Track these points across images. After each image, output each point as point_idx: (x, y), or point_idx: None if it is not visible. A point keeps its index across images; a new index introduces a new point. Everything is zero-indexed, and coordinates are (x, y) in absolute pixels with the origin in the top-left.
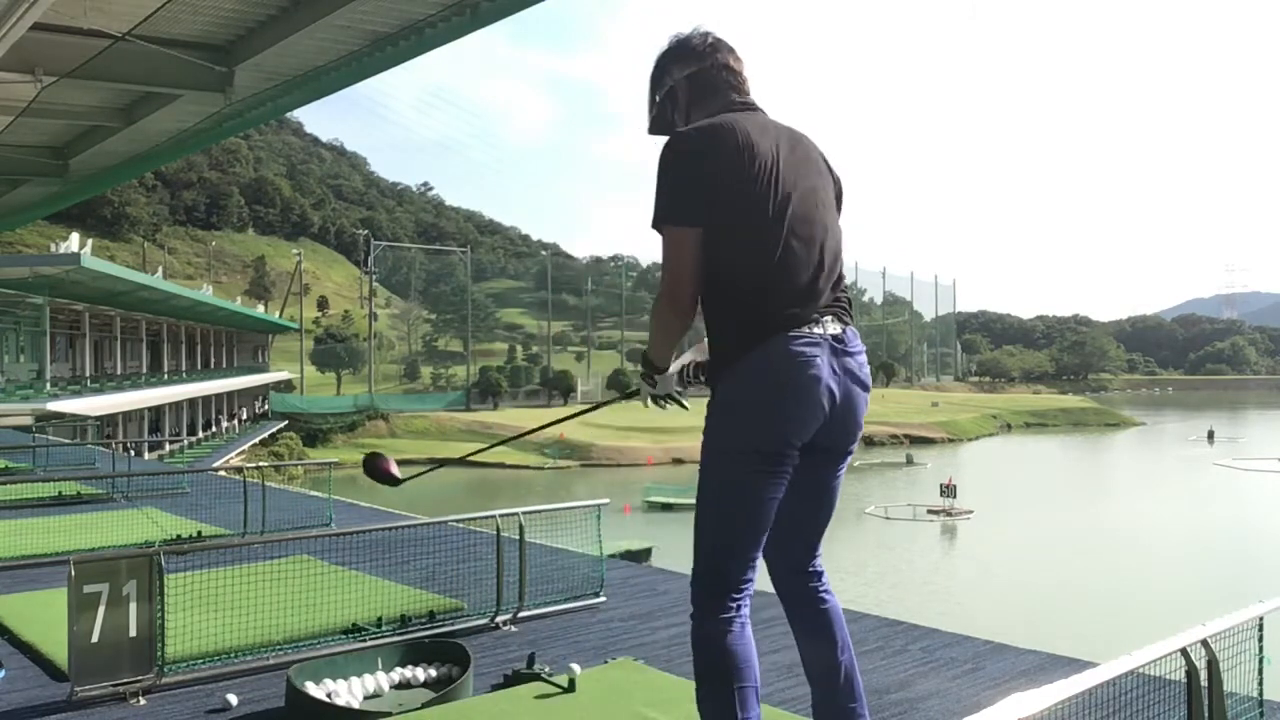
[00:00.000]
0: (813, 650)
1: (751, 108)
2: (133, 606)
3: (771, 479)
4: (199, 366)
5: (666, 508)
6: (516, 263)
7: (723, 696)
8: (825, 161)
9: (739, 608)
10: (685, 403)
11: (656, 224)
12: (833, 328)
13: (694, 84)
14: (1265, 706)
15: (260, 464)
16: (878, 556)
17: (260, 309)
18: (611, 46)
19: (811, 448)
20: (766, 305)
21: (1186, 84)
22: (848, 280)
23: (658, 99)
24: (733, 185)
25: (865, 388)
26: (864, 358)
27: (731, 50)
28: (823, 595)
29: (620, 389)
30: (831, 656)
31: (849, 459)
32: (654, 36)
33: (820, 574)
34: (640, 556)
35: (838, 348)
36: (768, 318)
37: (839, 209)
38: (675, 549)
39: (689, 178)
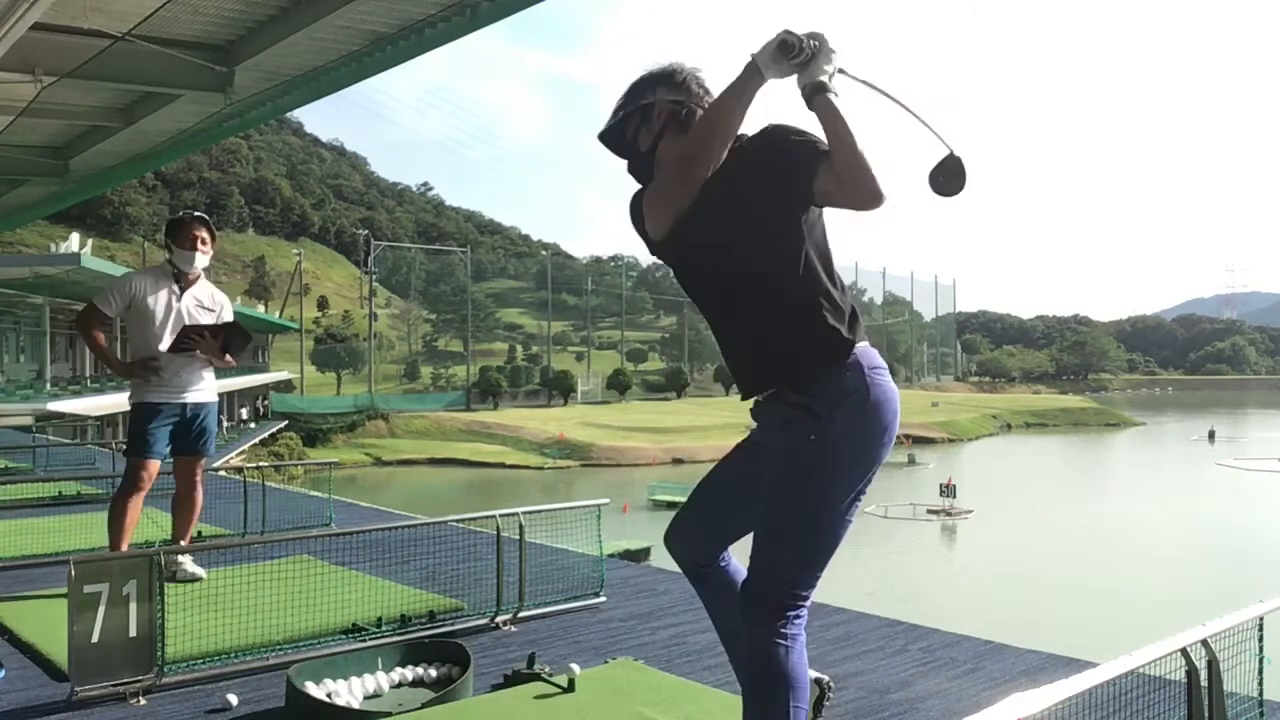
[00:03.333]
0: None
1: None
2: (133, 606)
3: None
4: None
5: (671, 506)
6: (516, 263)
7: (785, 710)
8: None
9: (803, 623)
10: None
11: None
12: None
13: (674, 113)
14: (1265, 706)
15: (260, 464)
16: (877, 556)
17: (260, 309)
18: (610, 47)
19: None
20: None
21: (1187, 84)
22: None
23: (627, 110)
24: None
25: (789, 460)
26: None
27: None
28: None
29: (620, 389)
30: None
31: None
32: (651, 36)
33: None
34: (639, 556)
35: None
36: (855, 325)
37: (787, 189)
38: None
39: None
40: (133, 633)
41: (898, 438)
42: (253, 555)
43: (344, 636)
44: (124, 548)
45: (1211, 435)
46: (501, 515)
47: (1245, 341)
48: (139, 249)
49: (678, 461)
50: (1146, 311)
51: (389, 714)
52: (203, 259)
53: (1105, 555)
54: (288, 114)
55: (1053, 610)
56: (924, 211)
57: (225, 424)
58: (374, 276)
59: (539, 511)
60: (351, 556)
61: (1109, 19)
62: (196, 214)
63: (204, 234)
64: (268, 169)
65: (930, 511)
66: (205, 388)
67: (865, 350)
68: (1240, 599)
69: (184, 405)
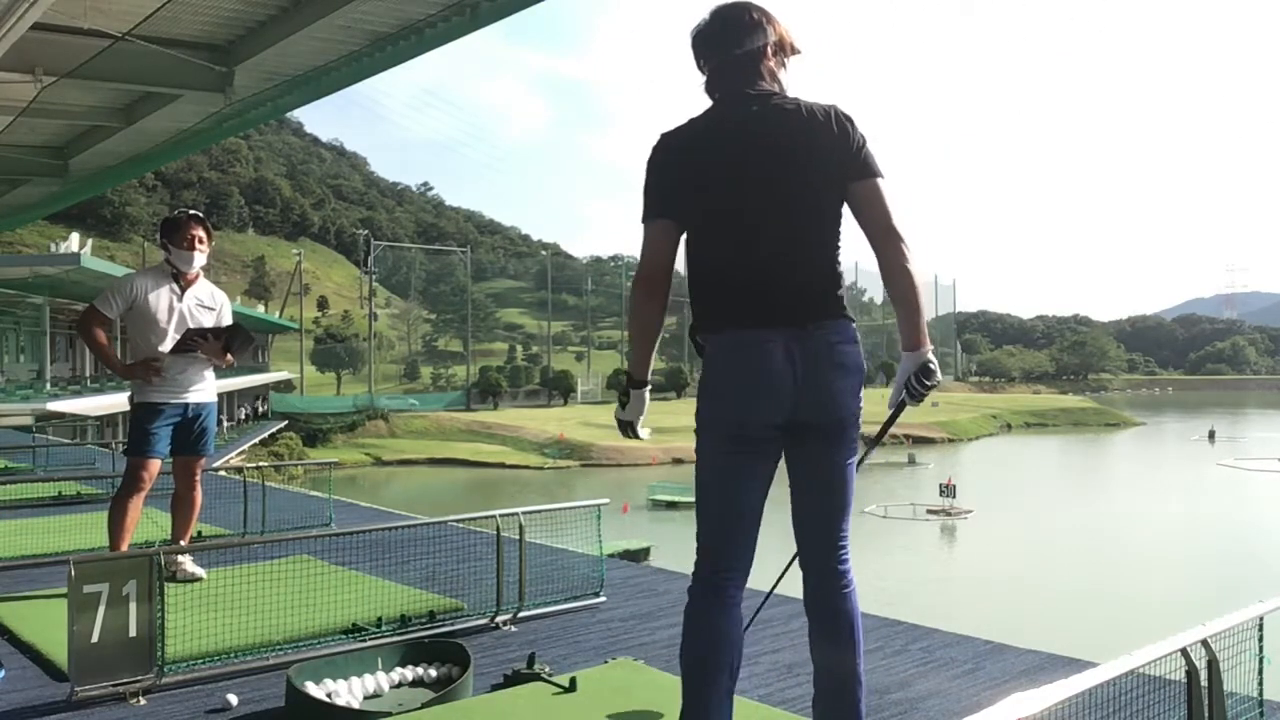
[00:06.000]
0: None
1: (732, 99)
2: (133, 606)
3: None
4: None
5: (671, 505)
6: (516, 263)
7: (684, 677)
8: (812, 136)
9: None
10: (643, 434)
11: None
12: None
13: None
14: (1265, 706)
15: (260, 464)
16: (876, 556)
17: (260, 309)
18: (606, 46)
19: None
20: (716, 299)
21: (1187, 83)
22: (843, 277)
23: (761, 43)
24: (682, 185)
25: (840, 368)
26: (837, 338)
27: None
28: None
29: (621, 389)
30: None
31: (842, 439)
32: (647, 35)
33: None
34: (639, 556)
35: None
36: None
37: (839, 175)
38: (674, 548)
39: (649, 180)
40: (133, 633)
41: (899, 437)
42: (253, 555)
43: (344, 636)
44: (124, 548)
45: (1211, 435)
46: (501, 515)
47: (1245, 341)
48: (139, 249)
49: (678, 461)
50: (1146, 311)
51: (389, 714)
52: (200, 258)
53: (1105, 555)
54: (288, 114)
55: (1053, 610)
56: (924, 211)
57: (225, 424)
58: (374, 276)
59: (539, 511)
60: (351, 556)
61: (1109, 16)
62: (192, 212)
63: (200, 232)
64: (268, 169)
65: (930, 512)
66: (206, 388)
67: None
68: (1240, 599)
69: (185, 405)
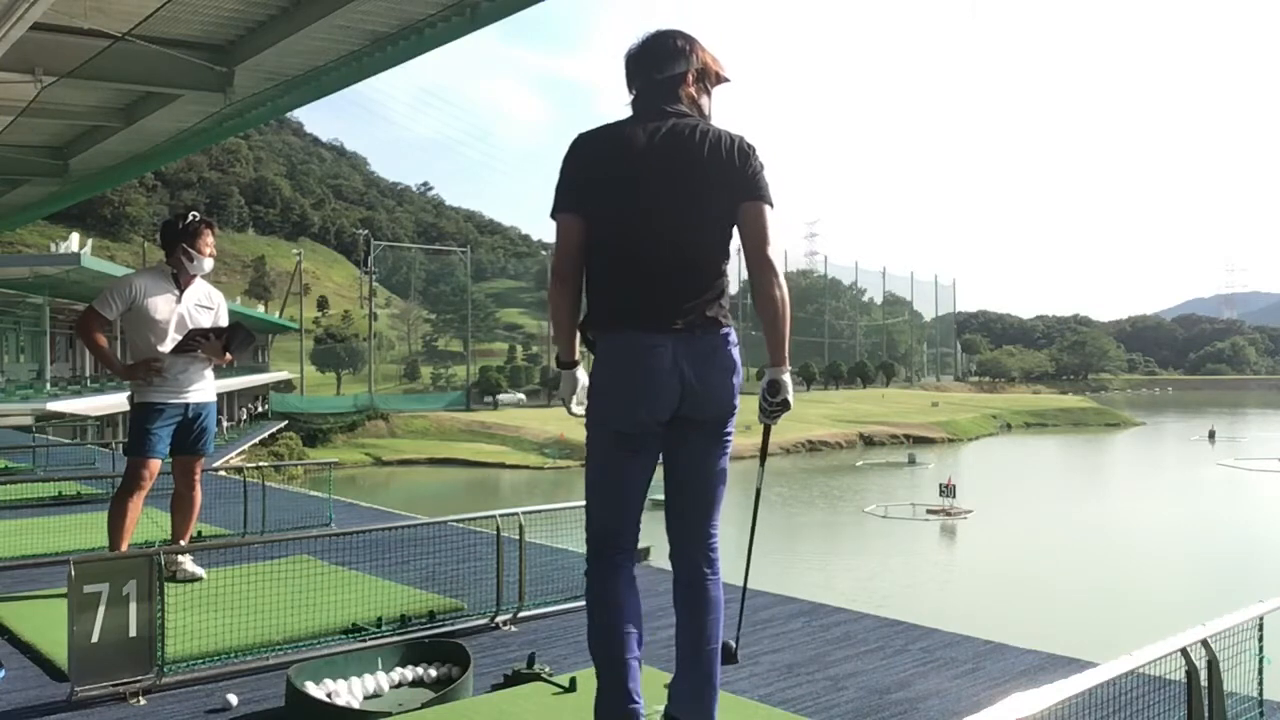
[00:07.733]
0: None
1: (647, 116)
2: (133, 606)
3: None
4: None
5: None
6: (516, 263)
7: (595, 654)
8: (711, 158)
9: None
10: (577, 410)
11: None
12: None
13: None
14: (1265, 706)
15: (260, 464)
16: (876, 556)
17: (260, 309)
18: (605, 46)
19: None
20: (610, 301)
21: (1187, 83)
22: (723, 288)
23: (690, 71)
24: (589, 186)
25: (722, 369)
26: (720, 343)
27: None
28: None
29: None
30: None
31: (721, 435)
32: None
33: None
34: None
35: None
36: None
37: (734, 204)
38: None
39: (561, 176)
40: (133, 633)
41: (899, 437)
42: (253, 555)
43: (344, 636)
44: (124, 548)
45: (1211, 435)
46: (501, 515)
47: (1245, 341)
48: (139, 249)
49: None
50: (1146, 311)
51: (389, 714)
52: (211, 262)
53: (1105, 555)
54: (288, 114)
55: (1053, 610)
56: (924, 211)
57: (225, 424)
58: (374, 276)
59: (539, 511)
60: (351, 556)
61: (1110, 18)
62: (206, 218)
63: (211, 237)
64: (268, 169)
65: (930, 512)
66: (206, 387)
67: None
68: (1240, 599)
69: (185, 405)
